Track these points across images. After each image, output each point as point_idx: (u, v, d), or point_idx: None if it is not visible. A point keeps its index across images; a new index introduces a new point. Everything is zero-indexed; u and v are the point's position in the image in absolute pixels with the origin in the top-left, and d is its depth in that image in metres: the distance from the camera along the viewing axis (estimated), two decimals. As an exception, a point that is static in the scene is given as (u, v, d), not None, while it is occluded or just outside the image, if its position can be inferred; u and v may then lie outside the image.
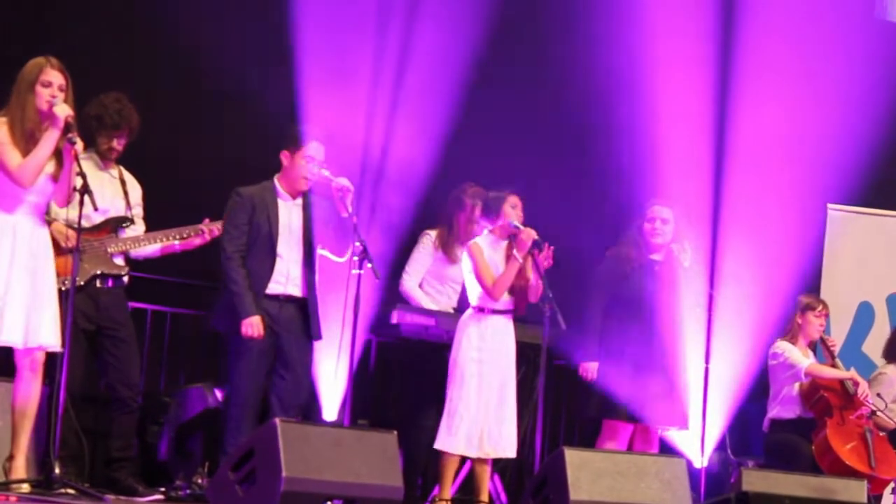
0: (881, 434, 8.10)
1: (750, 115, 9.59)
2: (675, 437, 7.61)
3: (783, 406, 8.07)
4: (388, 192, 8.27)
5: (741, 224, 9.30)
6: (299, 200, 6.84)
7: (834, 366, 8.17)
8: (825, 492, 6.84)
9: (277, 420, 5.43)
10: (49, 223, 6.10)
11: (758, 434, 8.32)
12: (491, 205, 7.11)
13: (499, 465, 7.42)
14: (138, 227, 6.86)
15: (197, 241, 6.86)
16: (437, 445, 6.84)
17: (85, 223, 6.17)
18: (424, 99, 8.99)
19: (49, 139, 5.85)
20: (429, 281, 7.76)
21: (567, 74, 9.31)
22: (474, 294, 6.98)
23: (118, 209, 6.79)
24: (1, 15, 7.95)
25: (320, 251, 6.86)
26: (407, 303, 7.60)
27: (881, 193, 9.40)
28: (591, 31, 9.39)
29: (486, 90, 9.07)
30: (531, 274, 6.94)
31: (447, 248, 7.70)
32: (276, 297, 6.72)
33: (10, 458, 5.96)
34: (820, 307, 8.18)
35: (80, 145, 5.89)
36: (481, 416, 6.83)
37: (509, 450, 6.89)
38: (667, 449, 7.28)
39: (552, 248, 6.88)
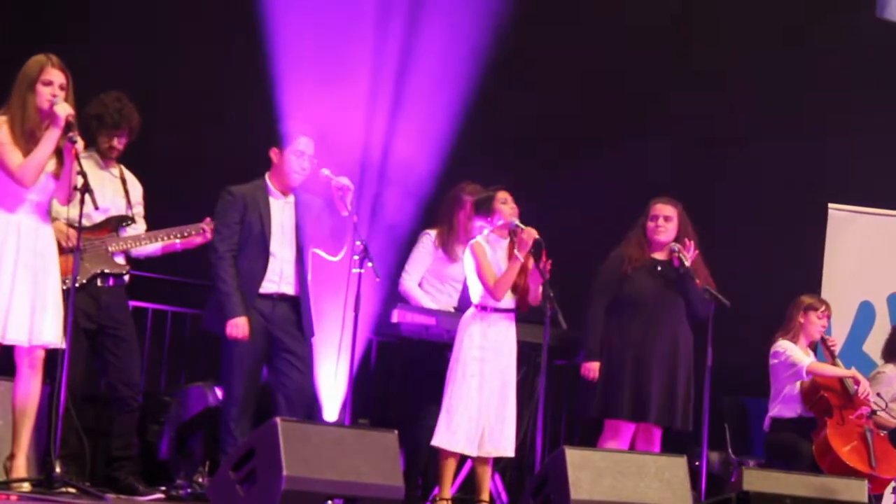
0: (882, 433, 8.10)
1: (752, 115, 9.62)
2: (676, 436, 7.60)
3: (784, 405, 8.07)
4: (388, 191, 8.27)
5: (742, 223, 9.31)
6: (291, 198, 6.83)
7: (834, 365, 8.17)
8: (826, 491, 6.84)
9: (278, 419, 5.42)
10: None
11: (758, 433, 8.32)
12: (481, 204, 7.11)
13: (499, 464, 7.42)
14: (139, 226, 6.85)
15: (198, 240, 6.86)
16: (435, 442, 6.84)
17: (86, 222, 6.17)
18: (425, 98, 9.00)
19: (50, 138, 5.85)
20: (429, 280, 7.76)
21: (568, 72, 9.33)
22: (476, 293, 6.98)
23: (119, 208, 6.79)
24: (1, 15, 7.96)
25: (314, 250, 6.85)
26: (407, 302, 7.60)
27: (882, 193, 9.40)
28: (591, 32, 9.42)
29: (486, 90, 9.09)
30: (531, 273, 6.94)
31: (447, 247, 7.71)
32: (269, 296, 6.71)
33: (11, 457, 5.97)
34: (823, 308, 8.18)
35: (80, 144, 5.89)
36: (483, 415, 6.82)
37: (509, 449, 6.89)
38: (668, 448, 7.26)
39: (550, 261, 6.88)
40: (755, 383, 8.42)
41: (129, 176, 6.91)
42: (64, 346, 5.89)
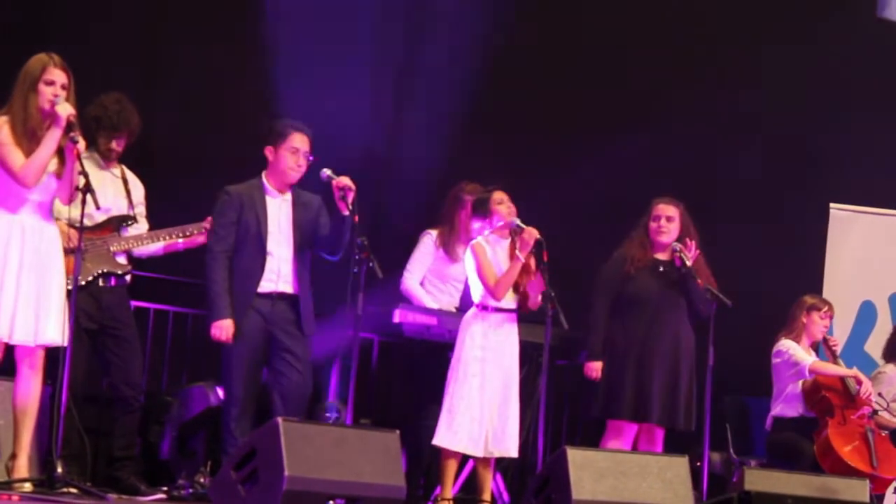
0: (883, 433, 8.10)
1: (754, 114, 9.62)
2: (678, 436, 7.60)
3: (786, 404, 8.07)
4: (389, 191, 8.27)
5: (743, 223, 9.31)
6: (288, 196, 6.80)
7: (836, 365, 8.18)
8: (828, 491, 6.84)
9: (279, 419, 5.42)
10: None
11: (760, 433, 8.32)
12: (478, 205, 7.11)
13: (501, 464, 7.42)
14: (141, 226, 6.86)
15: (200, 239, 6.85)
16: (436, 442, 6.83)
17: (87, 222, 6.16)
18: (425, 96, 9.01)
19: (51, 138, 5.85)
20: (430, 280, 7.76)
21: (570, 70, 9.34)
22: (477, 293, 6.98)
23: (120, 208, 6.79)
24: (1, 15, 7.96)
25: (314, 249, 6.83)
26: (409, 302, 7.59)
27: (884, 193, 9.40)
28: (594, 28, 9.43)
29: (487, 89, 9.09)
30: (532, 281, 6.94)
31: (448, 246, 7.71)
32: (268, 295, 6.69)
33: (13, 456, 5.97)
34: (825, 308, 8.19)
35: (82, 144, 5.89)
36: (485, 415, 6.82)
37: (512, 449, 6.88)
38: (670, 448, 7.26)
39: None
40: (756, 383, 8.42)
41: (130, 176, 6.91)
42: (66, 343, 5.90)
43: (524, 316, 7.08)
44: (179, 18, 8.44)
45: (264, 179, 6.79)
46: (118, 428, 6.76)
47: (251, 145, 6.87)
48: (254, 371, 6.70)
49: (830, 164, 9.52)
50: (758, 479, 6.75)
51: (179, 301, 8.01)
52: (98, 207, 6.06)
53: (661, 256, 7.53)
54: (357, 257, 6.53)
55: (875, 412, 8.15)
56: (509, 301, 6.97)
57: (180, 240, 6.86)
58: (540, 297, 6.91)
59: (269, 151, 6.78)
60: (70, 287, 6.01)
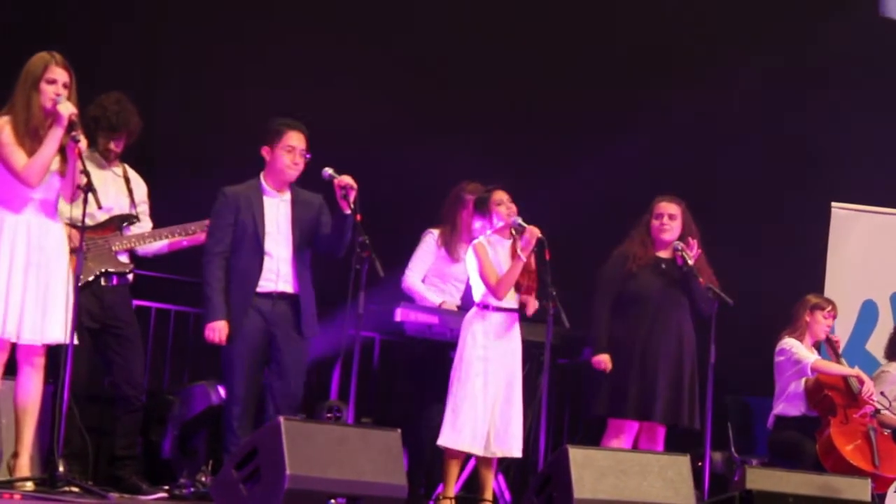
0: (885, 432, 8.11)
1: (754, 114, 9.62)
2: (680, 435, 7.60)
3: (788, 402, 8.07)
4: (389, 190, 8.26)
5: (745, 222, 9.31)
6: (287, 196, 6.79)
7: (839, 364, 8.18)
8: (829, 490, 6.83)
9: (281, 418, 5.42)
10: (56, 220, 6.12)
11: (761, 432, 8.32)
12: (478, 205, 7.10)
13: (503, 463, 7.41)
14: (144, 225, 6.86)
15: (203, 237, 6.84)
16: (441, 442, 6.82)
17: (89, 221, 6.17)
18: (425, 96, 9.01)
19: (53, 137, 5.85)
20: (431, 279, 7.76)
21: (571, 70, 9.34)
22: (478, 292, 6.97)
23: (122, 207, 6.79)
24: (1, 15, 7.96)
25: (315, 248, 6.82)
26: (410, 301, 7.59)
27: (885, 192, 9.40)
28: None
29: (487, 87, 9.10)
30: (534, 272, 6.95)
31: (450, 246, 7.70)
32: (268, 295, 6.68)
33: (15, 455, 5.98)
34: (829, 308, 8.19)
35: (83, 143, 5.89)
36: (488, 415, 6.81)
37: (515, 449, 6.87)
38: (671, 447, 7.26)
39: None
40: (758, 382, 8.43)
41: (133, 174, 6.90)
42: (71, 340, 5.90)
43: (525, 315, 7.08)
44: (179, 18, 8.45)
45: (262, 180, 6.79)
46: (120, 427, 6.76)
47: (251, 145, 6.86)
48: (255, 370, 6.69)
49: (831, 164, 9.52)
50: (759, 478, 6.74)
51: (181, 300, 8.02)
52: (100, 207, 6.07)
53: (663, 255, 7.53)
54: (362, 256, 6.51)
55: (877, 411, 8.15)
56: (510, 300, 6.97)
57: (183, 238, 6.86)
58: (537, 306, 6.91)
59: (265, 151, 6.78)
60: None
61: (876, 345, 9.00)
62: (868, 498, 6.93)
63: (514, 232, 6.96)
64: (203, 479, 6.73)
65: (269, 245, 6.69)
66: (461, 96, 9.10)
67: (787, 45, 9.52)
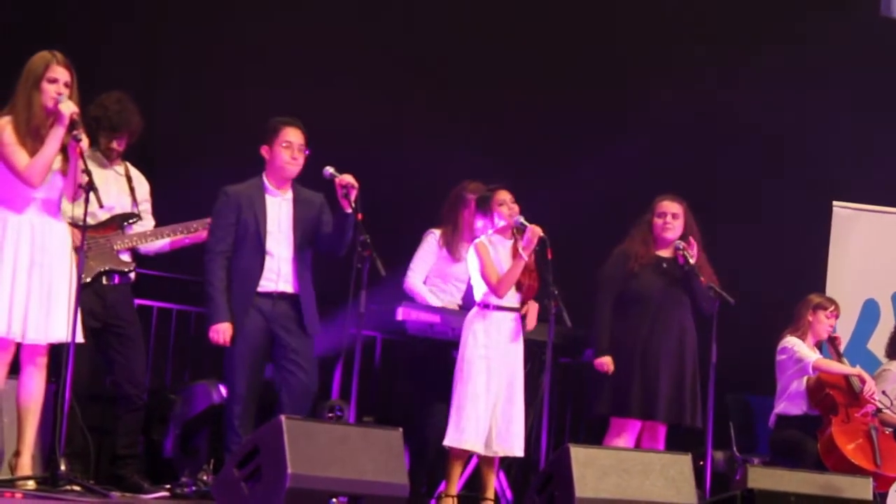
0: (887, 431, 8.11)
1: (754, 114, 9.62)
2: (682, 433, 7.60)
3: (790, 401, 8.07)
4: (389, 190, 8.26)
5: (746, 221, 9.31)
6: (289, 195, 6.78)
7: (840, 363, 8.18)
8: (831, 489, 6.83)
9: (283, 417, 5.42)
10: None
11: (763, 431, 8.32)
12: (481, 203, 7.10)
13: (504, 462, 7.41)
14: (147, 223, 6.85)
15: (205, 235, 6.83)
16: (447, 442, 6.82)
17: (91, 220, 6.17)
18: (425, 96, 9.01)
19: (55, 137, 5.85)
20: (433, 280, 7.76)
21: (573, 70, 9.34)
22: (479, 291, 6.97)
23: (124, 206, 6.79)
24: (1, 15, 7.96)
25: (316, 248, 6.82)
26: (412, 300, 7.59)
27: (886, 191, 9.41)
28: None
29: (487, 87, 9.10)
30: (535, 272, 6.95)
31: (452, 246, 7.70)
32: (269, 295, 6.67)
33: (16, 454, 5.99)
34: (832, 308, 8.19)
35: (85, 142, 5.89)
36: (490, 414, 6.81)
37: (517, 448, 6.87)
38: (673, 446, 7.27)
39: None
40: (759, 381, 8.43)
41: (135, 173, 6.90)
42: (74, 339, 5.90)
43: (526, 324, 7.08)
44: (179, 18, 8.45)
45: (264, 179, 6.78)
46: (121, 426, 6.76)
47: (251, 145, 6.87)
48: (256, 369, 6.69)
49: (831, 164, 9.52)
50: (761, 477, 6.75)
51: (182, 299, 8.02)
52: (101, 206, 6.07)
53: (664, 254, 7.53)
54: (363, 255, 6.51)
55: (879, 410, 8.15)
56: (512, 299, 6.97)
57: (185, 236, 6.85)
58: (536, 320, 6.92)
59: (264, 150, 6.78)
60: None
61: (877, 344, 9.00)
62: (869, 497, 6.93)
63: (515, 231, 6.97)
64: (204, 478, 6.73)
65: (270, 244, 6.68)
66: (461, 96, 9.10)
67: (787, 45, 9.51)
